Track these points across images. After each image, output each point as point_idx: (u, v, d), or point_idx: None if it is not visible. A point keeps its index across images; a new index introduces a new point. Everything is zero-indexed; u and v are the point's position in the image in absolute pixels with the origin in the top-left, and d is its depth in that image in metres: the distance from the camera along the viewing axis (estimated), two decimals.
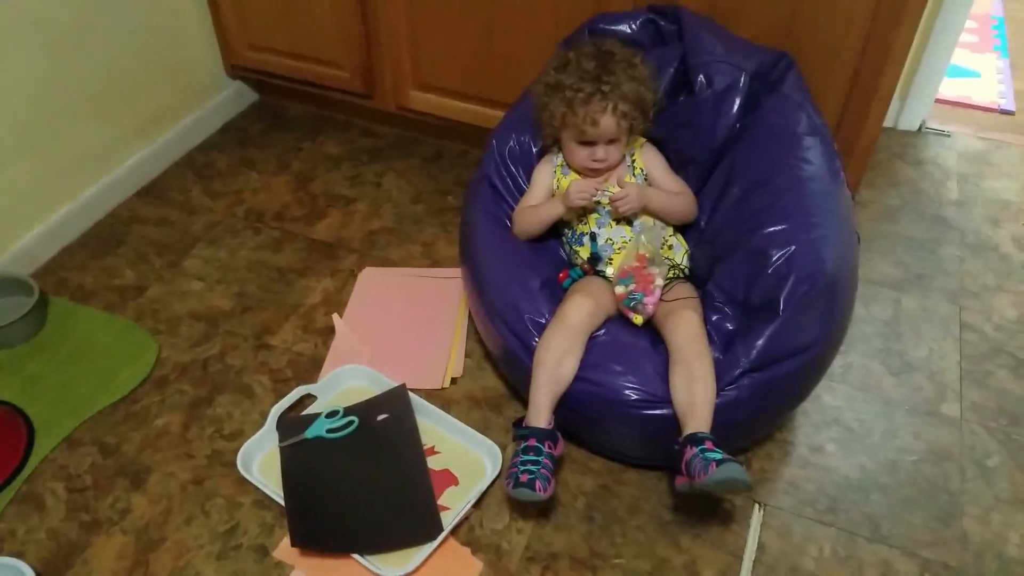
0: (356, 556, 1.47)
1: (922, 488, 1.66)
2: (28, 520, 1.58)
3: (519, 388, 1.75)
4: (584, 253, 1.75)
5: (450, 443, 1.69)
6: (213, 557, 1.51)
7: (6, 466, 1.66)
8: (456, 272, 2.11)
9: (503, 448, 1.67)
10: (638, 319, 1.61)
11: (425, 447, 1.67)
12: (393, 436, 1.68)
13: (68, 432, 1.75)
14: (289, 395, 1.73)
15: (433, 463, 1.65)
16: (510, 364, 1.71)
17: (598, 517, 1.58)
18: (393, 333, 1.96)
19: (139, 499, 1.61)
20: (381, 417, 1.71)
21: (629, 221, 1.73)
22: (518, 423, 1.58)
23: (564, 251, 1.85)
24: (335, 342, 1.94)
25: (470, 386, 1.84)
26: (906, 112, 2.77)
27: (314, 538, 1.50)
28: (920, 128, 2.80)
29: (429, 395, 1.80)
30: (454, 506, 1.57)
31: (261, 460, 1.66)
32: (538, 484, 1.42)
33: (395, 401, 1.74)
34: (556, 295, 1.70)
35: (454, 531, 1.54)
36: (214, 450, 1.70)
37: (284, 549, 1.53)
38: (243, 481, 1.59)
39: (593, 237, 1.73)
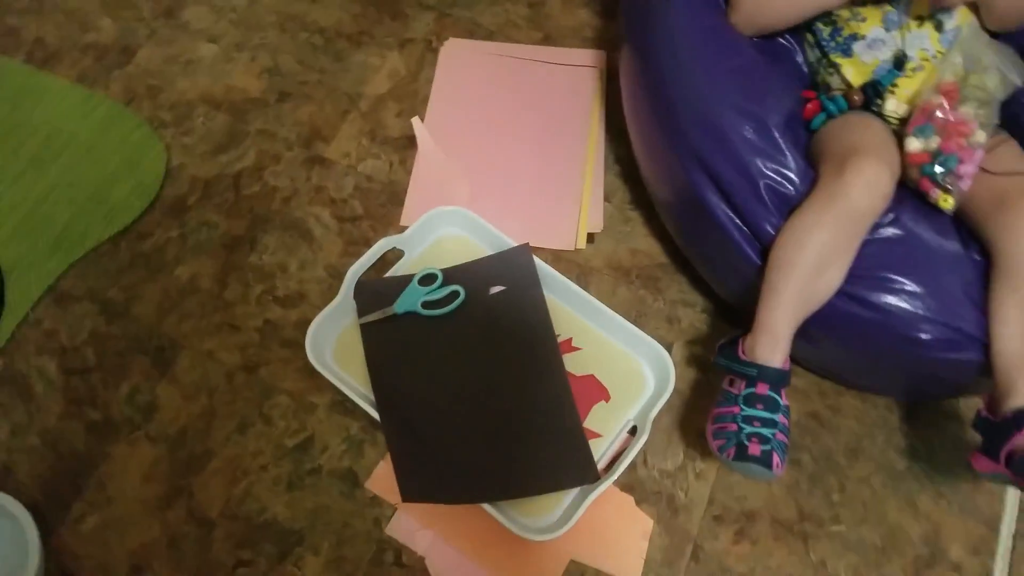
0: (486, 506, 1.02)
1: None
2: (10, 416, 1.09)
3: (718, 288, 1.19)
4: (853, 72, 1.09)
5: (594, 337, 1.17)
6: (282, 485, 1.05)
7: None
8: (589, 57, 1.44)
9: (669, 347, 1.16)
10: (947, 201, 1.01)
11: (559, 339, 1.16)
12: (514, 319, 1.15)
13: (52, 279, 1.19)
14: (370, 251, 1.15)
15: (573, 364, 1.14)
16: (715, 254, 1.12)
17: (807, 461, 1.13)
18: (498, 156, 1.34)
19: (168, 391, 1.11)
20: (495, 290, 1.17)
21: (938, 22, 1.07)
22: (728, 347, 1.05)
23: (808, 62, 1.18)
24: (418, 162, 1.32)
25: (613, 247, 1.27)
26: None
27: (429, 486, 1.03)
28: None
29: (555, 258, 1.25)
30: (607, 432, 1.10)
31: (337, 343, 1.14)
32: (775, 458, 0.94)
33: (514, 267, 1.18)
34: (800, 140, 1.08)
35: (606, 470, 1.08)
36: (267, 320, 1.17)
37: (380, 479, 1.08)
38: (315, 370, 1.08)
39: (872, 44, 1.08)
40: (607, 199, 1.30)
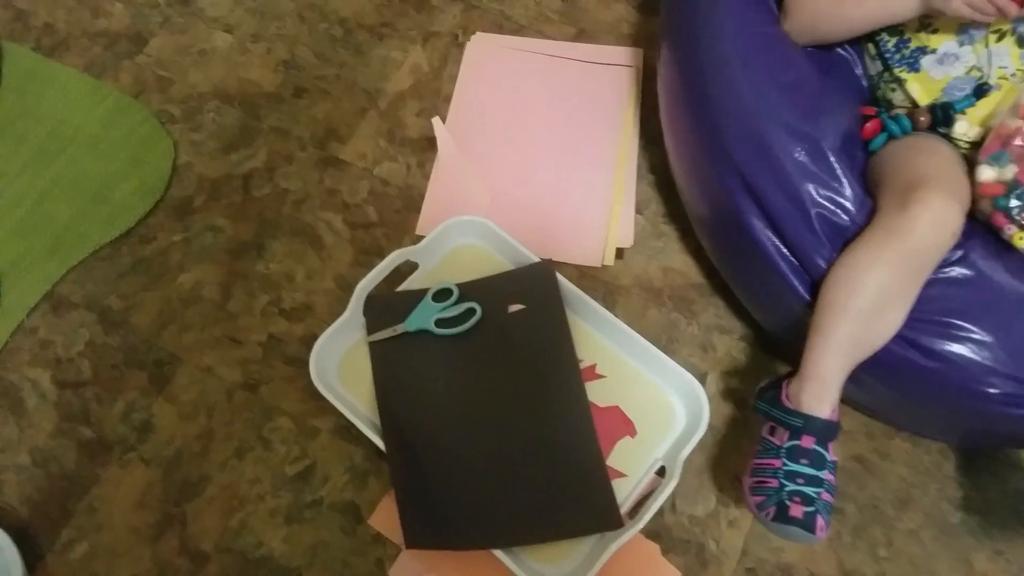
0: (497, 552, 0.90)
1: None
2: (1, 430, 0.99)
3: (758, 317, 1.05)
4: (920, 89, 0.94)
5: (620, 364, 1.04)
6: (280, 517, 0.95)
7: None
8: (624, 55, 1.29)
9: (703, 378, 1.04)
10: (1023, 239, 0.86)
11: (583, 365, 1.03)
12: (533, 341, 1.02)
13: (50, 284, 1.08)
14: (381, 265, 1.02)
15: (596, 394, 1.01)
16: (757, 283, 0.99)
17: (851, 511, 1.00)
18: (522, 161, 1.20)
19: (164, 409, 1.01)
20: (514, 308, 1.04)
21: (1020, 37, 0.89)
22: (770, 391, 0.92)
23: (868, 75, 1.02)
24: (437, 167, 1.19)
25: (644, 265, 1.13)
26: None
27: (436, 531, 0.91)
28: None
29: (580, 275, 1.11)
30: (632, 472, 0.98)
31: (343, 361, 1.02)
32: (819, 521, 0.81)
33: (535, 284, 1.05)
34: (857, 163, 0.94)
35: (631, 515, 0.95)
36: (271, 335, 1.06)
37: (383, 516, 0.96)
38: (318, 392, 0.97)
39: (943, 59, 0.92)
40: (639, 211, 1.16)
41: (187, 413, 1.01)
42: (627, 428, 1.01)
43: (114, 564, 0.93)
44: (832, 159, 0.88)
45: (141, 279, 1.09)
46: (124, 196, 1.14)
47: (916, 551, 0.99)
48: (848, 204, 0.89)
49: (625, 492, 0.97)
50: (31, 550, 0.92)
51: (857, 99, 0.98)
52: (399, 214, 1.15)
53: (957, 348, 0.86)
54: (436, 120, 1.20)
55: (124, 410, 1.01)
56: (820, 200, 0.89)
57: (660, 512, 0.97)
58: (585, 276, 1.11)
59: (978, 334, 0.84)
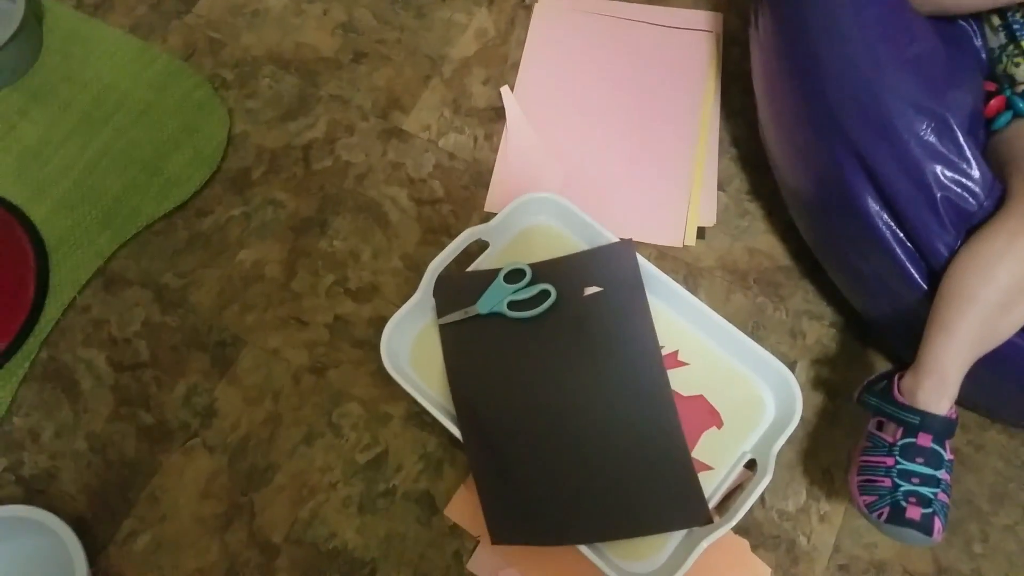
0: (582, 548, 0.82)
1: None
2: (55, 416, 0.91)
3: (858, 304, 0.96)
4: None
5: (704, 350, 0.95)
6: (353, 507, 0.87)
7: (12, 317, 0.93)
8: (703, 19, 1.18)
9: (792, 366, 0.95)
10: None
11: (664, 352, 0.94)
12: (612, 326, 0.93)
13: (102, 260, 0.99)
14: (452, 244, 0.93)
15: (679, 382, 0.93)
16: (867, 269, 0.88)
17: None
18: (596, 133, 1.10)
19: (228, 393, 0.93)
20: (591, 290, 0.95)
21: None
22: (878, 385, 0.83)
23: (988, 47, 0.91)
24: (506, 139, 1.09)
25: (728, 245, 1.04)
26: None
27: (521, 527, 0.84)
28: None
29: (660, 256, 1.02)
30: (719, 465, 0.89)
31: (414, 345, 0.94)
32: (937, 523, 0.73)
33: (613, 266, 0.95)
34: (982, 143, 0.84)
35: (718, 509, 0.88)
36: (337, 316, 0.97)
37: (460, 506, 0.89)
38: (390, 376, 0.88)
39: None
40: (721, 188, 1.06)
41: (252, 397, 0.92)
42: (713, 419, 0.93)
43: (180, 556, 0.85)
44: (961, 139, 0.78)
45: (199, 255, 1.00)
46: (177, 167, 1.05)
47: (1013, 547, 0.91)
48: (976, 188, 0.79)
49: (712, 486, 0.89)
50: (91, 541, 0.85)
51: (981, 74, 0.88)
52: (467, 190, 1.06)
53: None
54: (504, 89, 1.10)
55: (185, 394, 0.92)
56: (946, 183, 0.78)
57: (750, 507, 0.89)
58: (665, 257, 1.02)
59: None
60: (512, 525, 0.85)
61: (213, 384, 0.93)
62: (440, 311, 0.96)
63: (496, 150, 1.09)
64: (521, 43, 1.16)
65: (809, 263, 1.01)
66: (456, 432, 0.87)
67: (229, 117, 1.08)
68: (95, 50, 1.14)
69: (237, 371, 0.94)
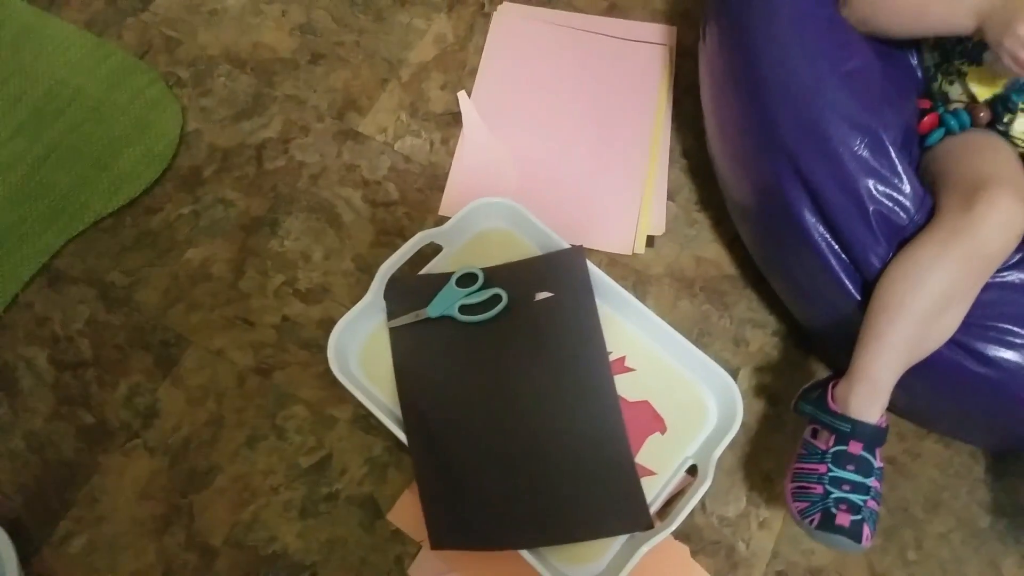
0: (523, 553, 0.81)
1: None
2: None
3: (798, 314, 0.96)
4: (979, 83, 0.84)
5: (651, 357, 0.94)
6: (294, 511, 0.86)
7: None
8: (658, 33, 1.18)
9: (735, 373, 0.96)
10: None
11: (612, 357, 0.93)
12: (562, 331, 0.92)
13: (47, 256, 0.96)
14: (405, 246, 0.91)
15: (626, 387, 0.92)
16: (804, 280, 0.89)
17: (882, 513, 0.91)
18: (551, 141, 1.09)
19: (171, 394, 0.90)
20: (541, 296, 0.94)
21: None
22: (813, 392, 0.84)
23: (924, 65, 0.92)
24: (462, 144, 1.08)
25: (676, 254, 1.04)
26: None
27: (462, 531, 0.82)
28: None
29: (610, 263, 1.02)
30: (662, 470, 0.88)
31: (363, 347, 0.92)
32: (866, 530, 0.73)
33: (564, 271, 0.95)
34: (915, 159, 0.84)
35: (660, 514, 0.87)
36: (285, 317, 0.96)
37: (403, 511, 0.88)
38: (336, 379, 0.87)
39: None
40: (671, 197, 1.06)
41: (195, 398, 0.90)
42: (657, 424, 0.92)
43: (116, 558, 0.83)
44: (893, 154, 0.79)
45: (146, 253, 0.97)
46: (128, 164, 1.02)
47: (946, 555, 0.92)
48: (907, 202, 0.79)
49: (655, 491, 0.88)
50: (26, 542, 0.82)
51: (915, 91, 0.88)
52: (421, 193, 1.04)
53: (1010, 355, 0.78)
54: (462, 94, 1.09)
55: (127, 394, 0.90)
56: (879, 197, 0.79)
57: (690, 513, 0.88)
58: (615, 264, 1.02)
59: None
60: (453, 530, 0.83)
61: (156, 384, 0.91)
62: (391, 314, 0.94)
63: (452, 154, 1.07)
64: (479, 50, 1.15)
65: (753, 272, 1.02)
66: (402, 436, 0.85)
67: (182, 115, 1.06)
68: (48, 45, 1.10)
69: (181, 371, 0.91)
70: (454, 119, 1.10)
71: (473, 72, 1.13)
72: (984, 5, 0.77)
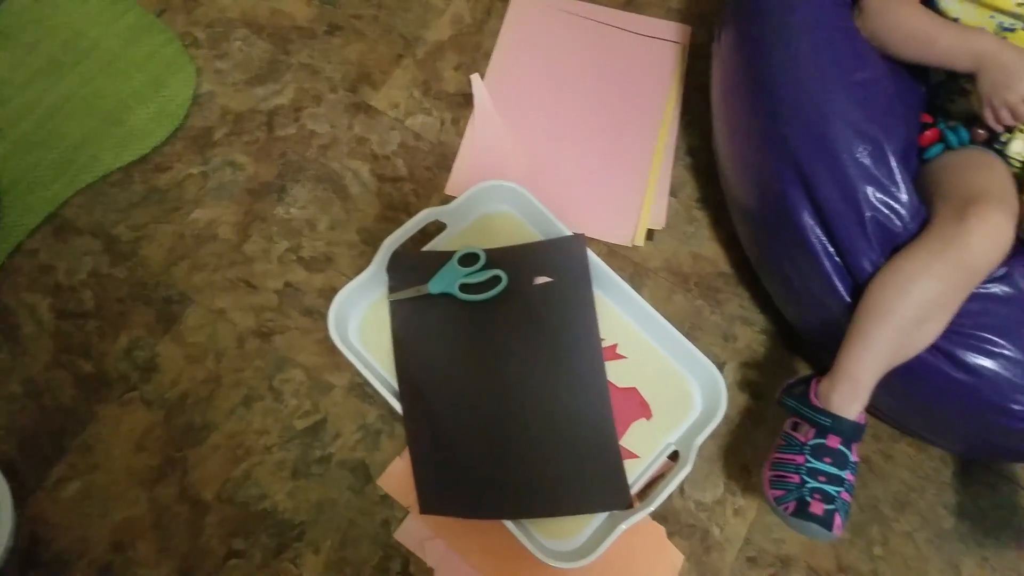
0: (507, 523, 0.83)
1: None
2: None
3: (788, 314, 0.98)
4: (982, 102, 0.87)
5: (642, 346, 0.96)
6: (287, 471, 0.86)
7: None
8: (672, 31, 1.18)
9: (721, 366, 0.97)
10: None
11: (604, 344, 0.95)
12: (558, 316, 0.93)
13: (54, 206, 0.96)
14: (410, 222, 0.92)
15: (615, 374, 0.94)
16: (797, 280, 0.90)
17: (852, 509, 0.93)
18: (560, 129, 1.10)
19: (170, 349, 0.90)
20: (540, 280, 0.95)
21: None
22: (797, 388, 0.85)
23: (930, 83, 0.94)
24: (472, 126, 1.08)
25: (674, 249, 1.05)
26: None
27: (450, 498, 0.84)
28: None
29: (610, 253, 1.03)
30: (644, 454, 0.90)
31: (363, 318, 0.92)
32: (837, 520, 0.76)
33: (565, 258, 0.96)
34: (914, 170, 0.85)
35: (640, 495, 0.89)
36: (288, 283, 0.96)
37: (393, 477, 0.88)
38: (335, 346, 0.89)
39: None
40: (673, 194, 1.07)
41: (194, 356, 0.90)
42: (643, 410, 0.94)
43: (108, 506, 0.83)
44: (894, 164, 0.80)
45: (153, 210, 0.97)
46: (140, 120, 1.01)
47: (910, 552, 0.95)
48: (903, 211, 0.81)
49: (636, 473, 0.90)
50: (19, 485, 0.82)
51: (919, 105, 0.90)
52: (429, 171, 1.04)
53: (989, 363, 0.80)
54: (475, 77, 1.09)
55: (127, 347, 0.90)
56: (876, 204, 0.81)
57: (669, 496, 0.90)
58: (614, 255, 1.02)
59: (1011, 351, 0.79)
60: (442, 496, 0.85)
61: (156, 339, 0.90)
62: (392, 287, 0.94)
63: (462, 135, 1.07)
64: (495, 33, 1.15)
65: (747, 272, 1.03)
66: (396, 405, 0.86)
67: (196, 76, 1.05)
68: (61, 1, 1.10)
69: (181, 328, 0.91)
70: (466, 100, 1.10)
71: (487, 55, 1.13)
72: (987, 57, 0.81)
